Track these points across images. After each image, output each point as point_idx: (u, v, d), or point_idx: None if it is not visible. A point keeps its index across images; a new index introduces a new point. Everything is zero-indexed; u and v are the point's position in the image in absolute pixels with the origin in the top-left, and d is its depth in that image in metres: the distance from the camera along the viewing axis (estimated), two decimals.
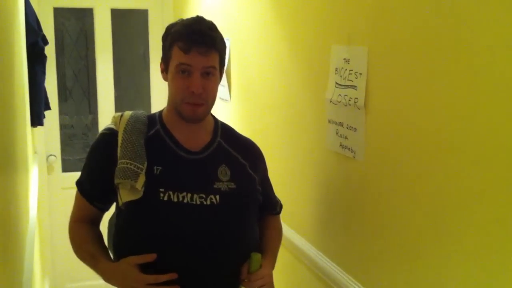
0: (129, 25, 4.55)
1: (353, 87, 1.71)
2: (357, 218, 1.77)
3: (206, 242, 1.64)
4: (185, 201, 1.64)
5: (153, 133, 1.73)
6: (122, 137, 1.67)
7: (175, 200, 1.64)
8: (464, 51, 1.27)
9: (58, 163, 4.26)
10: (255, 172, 1.81)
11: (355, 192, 1.76)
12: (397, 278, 1.56)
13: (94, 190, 1.74)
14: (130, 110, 1.79)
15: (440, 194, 1.37)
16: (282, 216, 2.25)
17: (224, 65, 1.77)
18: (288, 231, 2.25)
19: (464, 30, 1.26)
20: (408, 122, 1.48)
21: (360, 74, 1.68)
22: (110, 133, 1.71)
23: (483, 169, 1.22)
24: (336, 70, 1.82)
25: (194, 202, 1.65)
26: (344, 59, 1.77)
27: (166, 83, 1.72)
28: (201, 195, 1.66)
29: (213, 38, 1.66)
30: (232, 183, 1.72)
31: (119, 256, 1.67)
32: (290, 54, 2.18)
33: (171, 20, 4.19)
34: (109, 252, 1.76)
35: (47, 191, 4.12)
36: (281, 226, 1.98)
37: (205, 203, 1.66)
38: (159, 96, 4.28)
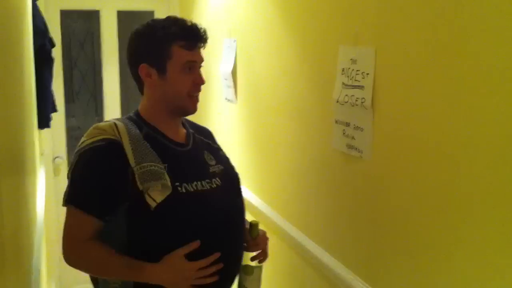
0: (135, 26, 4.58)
1: (360, 87, 1.72)
2: (364, 218, 1.77)
3: (226, 218, 1.79)
4: (199, 188, 1.75)
5: (144, 135, 1.75)
6: (131, 144, 1.68)
7: (191, 190, 1.73)
8: (470, 51, 1.27)
9: (64, 165, 4.28)
10: (221, 151, 2.01)
11: (363, 191, 1.77)
12: (405, 278, 1.57)
13: (105, 203, 1.67)
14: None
15: (448, 193, 1.38)
16: (288, 215, 2.26)
17: None
18: (293, 230, 2.26)
19: (471, 31, 1.27)
20: (415, 122, 1.49)
21: (367, 74, 1.69)
22: (111, 145, 1.68)
23: (493, 168, 1.23)
24: (343, 71, 1.83)
25: (205, 188, 1.76)
26: (351, 59, 1.78)
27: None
28: (206, 180, 1.79)
29: (205, 34, 1.79)
30: (220, 165, 1.89)
31: (152, 257, 1.67)
32: (297, 55, 2.19)
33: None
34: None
35: (53, 192, 4.14)
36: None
37: (213, 186, 1.79)
38: None
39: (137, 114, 1.82)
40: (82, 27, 4.47)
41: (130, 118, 1.80)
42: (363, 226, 1.78)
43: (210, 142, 1.99)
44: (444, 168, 1.39)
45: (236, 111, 2.97)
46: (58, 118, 4.05)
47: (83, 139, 1.73)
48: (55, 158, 4.21)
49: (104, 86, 4.26)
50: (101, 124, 1.74)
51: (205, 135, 2.00)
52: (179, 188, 1.70)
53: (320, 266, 2.02)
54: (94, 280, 1.84)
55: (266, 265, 2.48)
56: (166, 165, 1.71)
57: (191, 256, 1.67)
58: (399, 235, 1.60)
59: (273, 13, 2.40)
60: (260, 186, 2.64)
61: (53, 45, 3.42)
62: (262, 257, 1.93)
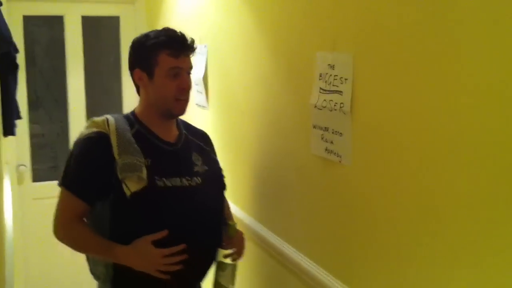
0: (100, 32, 4.51)
1: (339, 92, 1.74)
2: (344, 222, 1.78)
3: (199, 215, 1.97)
4: (177, 184, 1.94)
5: (135, 132, 1.97)
6: (117, 138, 1.90)
7: (169, 184, 1.93)
8: (449, 57, 1.30)
9: (28, 173, 4.19)
10: (215, 155, 2.21)
11: (342, 195, 1.78)
12: (385, 281, 1.59)
13: (91, 188, 1.92)
14: (111, 114, 2.01)
15: (427, 197, 1.40)
16: (265, 221, 2.27)
17: None
18: (272, 237, 2.26)
19: (450, 36, 1.29)
20: (395, 127, 1.51)
21: (346, 79, 1.70)
22: (101, 136, 1.91)
23: (471, 173, 1.26)
24: (320, 76, 1.84)
25: (183, 184, 1.96)
26: (329, 64, 1.79)
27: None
28: (186, 178, 1.97)
29: (192, 43, 1.99)
30: (205, 166, 2.07)
31: (124, 241, 1.88)
32: (272, 60, 2.19)
33: (144, 27, 4.17)
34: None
35: (18, 201, 4.05)
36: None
37: (192, 184, 1.98)
38: (131, 102, 4.24)
39: (133, 113, 2.05)
40: (46, 32, 4.38)
41: (126, 116, 2.03)
42: (342, 230, 1.80)
43: (203, 144, 2.15)
44: (423, 173, 1.42)
45: (208, 117, 2.96)
46: (22, 125, 3.97)
47: (82, 131, 1.98)
48: (19, 166, 4.12)
49: (69, 92, 4.19)
50: (97, 118, 1.97)
51: (199, 137, 2.18)
52: (158, 182, 1.90)
53: (300, 271, 2.02)
54: (86, 257, 2.10)
55: (244, 274, 2.48)
56: (149, 160, 1.92)
57: (160, 246, 1.85)
58: (378, 239, 1.61)
59: (246, 18, 2.40)
60: (234, 193, 2.63)
61: (16, 51, 3.35)
62: (236, 255, 2.09)
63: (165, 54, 1.92)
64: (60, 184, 1.94)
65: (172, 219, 1.91)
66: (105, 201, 1.92)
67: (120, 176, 1.85)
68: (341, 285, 1.79)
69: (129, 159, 1.86)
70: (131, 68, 2.01)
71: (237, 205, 2.59)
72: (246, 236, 2.24)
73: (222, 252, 2.05)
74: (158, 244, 1.85)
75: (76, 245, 1.96)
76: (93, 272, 2.07)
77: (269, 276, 2.37)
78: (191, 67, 2.00)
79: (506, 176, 1.16)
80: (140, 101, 2.04)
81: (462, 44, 1.26)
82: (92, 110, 4.26)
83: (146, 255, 1.85)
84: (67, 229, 1.93)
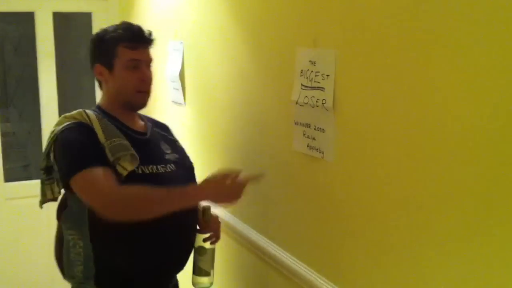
0: (72, 28, 4.44)
1: (321, 88, 1.74)
2: (327, 217, 1.79)
3: None
4: (154, 171, 1.96)
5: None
6: (100, 125, 1.91)
7: (147, 171, 1.94)
8: (432, 54, 1.31)
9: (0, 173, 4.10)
10: (179, 144, 2.23)
11: (325, 191, 1.78)
12: (369, 276, 1.59)
13: (100, 155, 1.85)
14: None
15: (412, 192, 1.41)
16: (248, 219, 2.26)
17: None
18: (254, 234, 2.25)
19: (433, 33, 1.30)
20: (378, 122, 1.52)
21: (328, 75, 1.70)
22: (82, 124, 1.90)
23: (454, 168, 1.27)
24: (301, 72, 1.84)
25: (160, 171, 1.98)
26: (310, 61, 1.79)
27: None
28: (162, 165, 2.00)
29: (150, 35, 2.04)
30: (175, 154, 2.11)
31: (109, 234, 1.87)
32: (252, 56, 2.18)
33: (117, 22, 4.10)
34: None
35: None
36: None
37: (167, 170, 2.01)
38: None
39: (98, 106, 2.06)
40: (16, 29, 4.29)
41: (92, 111, 2.00)
42: (325, 226, 1.80)
43: (166, 134, 2.21)
44: (406, 168, 1.43)
45: (185, 113, 2.94)
46: None
47: (53, 128, 1.94)
48: None
49: (41, 90, 4.11)
50: (69, 113, 1.97)
51: (162, 128, 2.23)
52: (136, 169, 1.91)
53: (282, 268, 2.02)
54: (61, 265, 2.06)
55: (226, 273, 2.47)
56: None
57: (140, 234, 1.88)
58: (362, 234, 1.62)
59: (224, 14, 2.39)
60: None
61: None
62: (214, 238, 2.10)
63: (123, 47, 1.96)
64: (73, 174, 1.82)
65: None
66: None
67: (112, 158, 1.85)
68: (325, 281, 1.79)
69: (118, 141, 1.90)
70: (92, 63, 2.05)
71: None
72: (229, 234, 2.23)
73: (200, 237, 2.07)
74: (135, 234, 1.87)
75: (139, 204, 1.84)
76: (68, 274, 2.02)
77: (250, 272, 2.36)
78: (150, 60, 2.04)
79: (490, 170, 1.18)
80: (103, 96, 2.08)
81: (445, 41, 1.28)
82: (64, 107, 4.19)
83: (222, 182, 1.87)
84: (120, 194, 1.81)
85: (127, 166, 1.87)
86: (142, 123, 2.12)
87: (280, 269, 2.04)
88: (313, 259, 1.88)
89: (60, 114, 4.06)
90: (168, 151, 2.10)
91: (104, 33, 2.02)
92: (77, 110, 1.98)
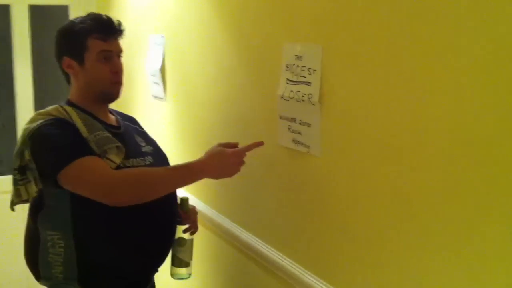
0: (49, 22, 4.37)
1: (307, 83, 1.74)
2: (313, 211, 1.80)
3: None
4: (135, 165, 1.93)
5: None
6: (80, 119, 1.88)
7: (129, 165, 1.90)
8: (419, 48, 1.32)
9: None
10: (149, 135, 2.20)
11: (311, 185, 1.79)
12: (356, 270, 1.61)
13: (85, 147, 1.82)
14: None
15: (399, 187, 1.43)
16: (232, 213, 2.26)
17: None
18: (237, 229, 2.25)
19: (420, 27, 1.32)
20: (364, 116, 1.53)
21: (314, 70, 1.71)
22: (60, 120, 1.86)
23: (442, 162, 1.29)
24: (287, 67, 1.84)
25: (140, 164, 1.95)
26: (296, 55, 1.79)
27: None
28: (140, 158, 1.98)
29: (119, 26, 1.99)
30: (150, 146, 2.09)
31: (92, 231, 1.85)
32: (235, 50, 2.18)
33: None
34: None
35: None
36: None
37: (146, 163, 1.98)
38: None
39: (69, 102, 2.00)
40: None
41: (61, 105, 1.96)
42: (311, 220, 1.81)
43: (137, 127, 2.20)
44: (392, 163, 1.44)
45: (165, 108, 2.92)
46: None
47: (26, 126, 1.86)
48: None
49: (16, 84, 4.04)
50: (44, 110, 1.92)
51: (131, 121, 2.21)
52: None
53: (267, 262, 2.02)
54: (35, 267, 1.96)
55: (210, 269, 2.47)
56: None
57: (123, 226, 1.86)
58: (349, 229, 1.63)
59: (207, 7, 2.37)
60: (195, 185, 2.60)
61: None
62: (193, 229, 2.10)
63: (93, 38, 1.92)
64: (63, 166, 1.75)
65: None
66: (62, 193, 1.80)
67: (99, 151, 1.82)
68: (310, 275, 1.80)
69: (103, 134, 1.87)
70: (59, 57, 2.00)
71: (199, 198, 2.57)
72: (212, 230, 2.22)
73: (180, 228, 2.07)
74: (122, 230, 1.87)
75: (144, 184, 1.82)
76: (44, 276, 1.95)
77: (232, 267, 2.36)
78: (121, 50, 2.01)
79: (477, 165, 1.19)
80: (72, 90, 2.02)
81: (431, 35, 1.29)
82: (40, 100, 4.13)
83: (223, 156, 1.88)
84: (122, 177, 1.80)
85: (114, 158, 1.85)
86: (113, 117, 2.10)
87: (264, 263, 2.05)
88: (298, 254, 1.88)
89: (36, 109, 4.04)
90: (143, 144, 2.08)
91: (71, 25, 1.98)
92: (53, 106, 1.93)
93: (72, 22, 1.99)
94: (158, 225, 1.96)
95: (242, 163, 1.90)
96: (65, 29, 1.99)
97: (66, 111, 1.90)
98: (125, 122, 2.14)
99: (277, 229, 2.01)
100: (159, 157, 2.09)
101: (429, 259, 1.34)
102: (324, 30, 1.66)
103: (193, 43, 2.54)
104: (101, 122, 1.97)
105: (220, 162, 1.88)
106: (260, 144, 1.91)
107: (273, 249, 2.01)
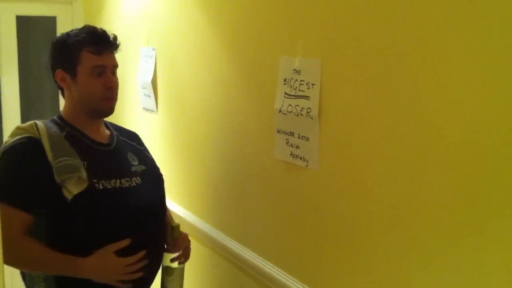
0: (36, 32, 4.34)
1: (305, 97, 1.75)
2: (310, 226, 1.79)
3: (143, 215, 1.93)
4: (117, 185, 1.90)
5: (66, 135, 1.90)
6: (49, 141, 1.83)
7: (109, 186, 1.88)
8: (418, 62, 1.34)
9: None
10: (148, 153, 2.18)
11: (309, 200, 1.79)
12: (357, 286, 1.61)
13: (30, 196, 1.79)
14: (38, 119, 1.93)
15: (396, 202, 1.43)
16: (228, 230, 2.24)
17: None
18: (233, 243, 2.24)
19: (420, 41, 1.33)
20: (364, 131, 1.53)
21: (313, 84, 1.71)
22: (31, 141, 1.83)
23: (438, 177, 1.30)
24: (285, 81, 1.84)
25: (123, 186, 1.92)
26: (294, 70, 1.80)
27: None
28: (126, 179, 1.94)
29: (114, 40, 1.96)
30: (142, 165, 2.04)
31: (71, 250, 1.78)
32: (231, 64, 2.17)
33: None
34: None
35: None
36: None
37: (132, 184, 1.95)
38: None
39: (60, 116, 1.98)
40: None
41: (52, 120, 1.96)
42: (309, 234, 1.80)
43: (135, 144, 2.13)
44: (391, 178, 1.45)
45: (157, 121, 2.90)
46: None
47: (6, 139, 1.88)
48: None
49: (2, 94, 4.00)
50: (22, 124, 1.89)
51: (130, 137, 2.15)
52: (96, 185, 1.85)
53: (263, 277, 2.01)
54: (22, 275, 1.97)
55: (203, 283, 2.44)
56: (85, 162, 1.85)
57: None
58: (346, 243, 1.63)
59: (200, 19, 2.37)
60: (190, 199, 2.59)
61: None
62: (182, 258, 2.03)
63: (87, 52, 1.89)
64: None
65: (114, 223, 1.86)
66: (42, 208, 1.79)
67: (58, 180, 1.77)
68: None
69: (65, 161, 1.81)
70: (53, 69, 1.97)
71: (192, 212, 2.55)
72: (206, 244, 2.21)
73: (168, 256, 2.00)
74: (98, 248, 1.81)
75: (28, 263, 1.80)
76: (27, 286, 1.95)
77: (229, 283, 2.34)
78: (115, 65, 1.96)
79: (471, 181, 1.20)
80: (65, 103, 1.99)
81: (431, 49, 1.30)
82: (26, 112, 4.10)
83: (110, 266, 1.80)
84: (15, 248, 1.71)
85: (72, 189, 1.79)
86: (107, 132, 2.05)
87: (261, 278, 2.03)
88: (295, 269, 1.88)
89: (22, 118, 4.01)
90: (135, 163, 2.03)
91: (66, 37, 1.94)
92: (30, 122, 1.89)
93: (67, 34, 1.95)
94: (138, 246, 1.87)
95: (127, 273, 1.83)
96: (59, 41, 1.96)
97: (38, 130, 1.85)
98: (122, 138, 2.09)
99: (273, 243, 2.00)
100: (150, 178, 2.04)
101: (428, 272, 1.35)
102: (323, 44, 1.67)
103: (186, 55, 2.53)
104: (88, 139, 1.94)
105: (105, 271, 1.81)
106: (143, 264, 1.86)
107: (269, 263, 2.00)
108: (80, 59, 1.89)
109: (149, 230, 1.95)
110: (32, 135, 1.84)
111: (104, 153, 1.96)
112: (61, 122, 1.95)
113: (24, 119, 4.03)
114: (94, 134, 1.98)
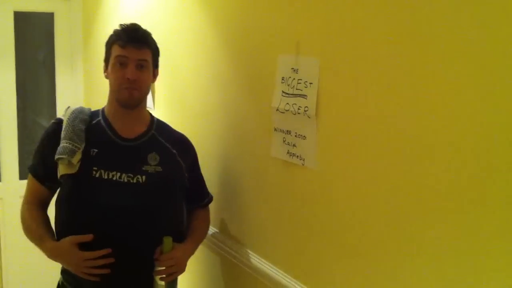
0: (33, 28, 4.33)
1: (303, 96, 1.76)
2: (306, 225, 1.80)
3: (129, 216, 1.94)
4: (114, 178, 1.95)
5: (95, 123, 2.05)
6: (66, 123, 2.00)
7: (105, 177, 1.95)
8: (416, 60, 1.34)
9: None
10: (183, 160, 2.12)
11: (305, 198, 1.80)
12: (356, 285, 1.61)
13: (45, 171, 2.03)
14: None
15: (393, 199, 1.44)
16: (227, 228, 2.23)
17: (157, 65, 2.13)
18: (227, 241, 2.24)
19: (419, 39, 1.34)
20: (361, 130, 1.54)
21: (311, 83, 1.72)
22: (58, 122, 2.04)
23: (440, 176, 1.30)
24: (282, 79, 1.85)
25: (122, 180, 1.96)
26: (292, 68, 1.80)
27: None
28: (129, 174, 1.97)
29: (145, 35, 2.06)
30: (160, 167, 2.02)
31: (56, 227, 1.99)
32: (229, 62, 2.18)
33: (79, 24, 4.05)
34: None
35: None
36: (208, 218, 2.27)
37: (132, 181, 1.97)
38: (65, 101, 4.10)
39: (103, 107, 2.12)
40: None
41: (96, 110, 2.12)
42: (305, 233, 1.81)
43: (169, 146, 2.10)
44: (388, 176, 1.46)
45: None
46: None
47: None
48: None
49: None
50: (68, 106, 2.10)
51: (170, 140, 2.12)
52: (94, 172, 1.94)
53: (260, 276, 2.02)
54: None
55: (199, 281, 2.43)
56: (95, 150, 1.97)
57: (82, 244, 1.88)
58: (344, 241, 1.64)
59: (199, 18, 2.38)
60: None
61: None
62: (164, 274, 1.94)
63: (115, 45, 2.01)
64: (28, 167, 2.09)
65: (97, 212, 1.92)
66: (54, 185, 2.05)
67: (55, 158, 1.94)
68: None
69: (65, 143, 1.94)
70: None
71: None
72: (203, 243, 2.20)
73: (157, 267, 1.94)
74: (83, 243, 1.89)
75: (23, 229, 2.02)
76: None
77: (225, 280, 2.35)
78: (142, 59, 2.00)
79: (476, 179, 1.21)
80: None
81: (429, 49, 1.31)
82: (23, 108, 4.09)
83: (69, 256, 1.89)
84: (23, 211, 2.04)
85: (61, 169, 1.96)
86: (142, 129, 2.08)
87: (258, 276, 2.04)
88: (292, 267, 1.89)
89: (18, 114, 4.00)
90: (153, 163, 2.01)
91: (111, 34, 2.07)
92: (68, 106, 2.12)
93: (115, 30, 2.07)
94: (117, 243, 1.90)
95: (87, 267, 1.88)
96: (108, 37, 2.07)
97: (66, 113, 2.05)
98: (159, 138, 2.09)
99: (270, 242, 2.01)
100: (159, 180, 2.00)
101: (429, 270, 1.36)
102: (321, 43, 1.68)
103: (184, 53, 2.54)
104: (112, 131, 2.04)
105: (66, 261, 1.93)
106: (107, 261, 1.88)
107: (265, 261, 2.01)
108: (111, 51, 2.02)
109: (133, 230, 1.94)
110: (62, 117, 2.05)
111: (122, 147, 2.03)
112: (101, 112, 2.10)
113: (20, 115, 4.03)
114: (123, 128, 2.05)
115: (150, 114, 2.17)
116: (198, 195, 2.23)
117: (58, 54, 4.14)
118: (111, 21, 3.43)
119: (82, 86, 4.11)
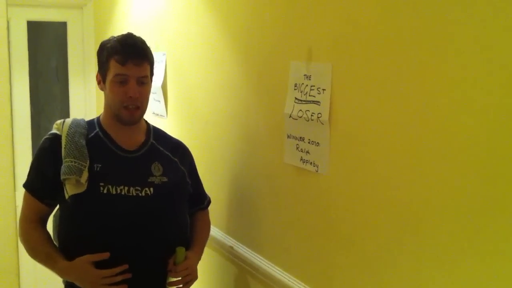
0: (46, 38, 4.38)
1: (316, 102, 1.75)
2: (320, 231, 1.79)
3: (142, 229, 1.92)
4: (123, 193, 1.91)
5: (93, 136, 1.99)
6: (66, 139, 1.92)
7: (114, 192, 1.90)
8: (428, 67, 1.34)
9: None
10: (183, 166, 2.11)
11: (319, 204, 1.79)
12: None
13: (43, 188, 1.96)
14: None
15: (406, 206, 1.43)
16: (237, 235, 2.23)
17: (153, 74, 2.05)
18: (240, 248, 2.24)
19: (430, 44, 1.33)
20: (375, 136, 1.53)
21: (324, 90, 1.72)
22: (54, 137, 1.95)
23: (448, 181, 1.30)
24: (295, 86, 1.85)
25: (130, 194, 1.92)
26: (305, 75, 1.80)
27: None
28: (137, 187, 1.93)
29: (145, 50, 1.97)
30: (165, 177, 2.00)
31: (64, 245, 1.93)
32: (241, 69, 2.18)
33: (92, 32, 4.08)
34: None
35: None
36: (209, 220, 2.27)
37: (140, 194, 1.93)
38: (78, 109, 4.13)
39: (98, 117, 2.07)
40: None
41: (91, 120, 2.06)
42: (318, 239, 1.80)
43: (170, 154, 2.08)
44: (401, 182, 1.45)
45: (167, 126, 2.91)
46: None
47: None
48: None
49: (13, 98, 4.02)
50: (60, 120, 2.01)
51: (169, 147, 2.11)
52: (101, 188, 1.89)
53: (273, 282, 2.01)
54: None
55: (210, 286, 2.42)
56: (99, 165, 1.92)
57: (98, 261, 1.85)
58: (356, 248, 1.63)
59: (210, 23, 2.38)
60: None
61: None
62: (181, 284, 1.97)
63: (114, 60, 1.92)
64: (24, 185, 2.00)
65: (110, 230, 1.88)
66: (55, 201, 1.97)
67: (61, 178, 1.88)
68: None
69: (71, 162, 1.88)
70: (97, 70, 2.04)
71: None
72: (216, 249, 2.21)
73: (168, 279, 1.95)
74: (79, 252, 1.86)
75: (29, 250, 1.96)
76: None
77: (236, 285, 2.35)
78: (143, 76, 1.94)
79: (486, 186, 1.20)
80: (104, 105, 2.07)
81: (441, 51, 1.30)
82: (36, 116, 4.12)
83: (85, 274, 1.84)
84: (23, 231, 1.96)
85: (69, 189, 1.88)
86: (141, 140, 2.05)
87: (269, 282, 2.04)
88: (304, 274, 1.88)
89: (32, 122, 4.04)
90: (157, 173, 1.99)
91: (106, 42, 1.99)
92: (67, 119, 2.02)
93: (109, 39, 2.00)
94: (131, 259, 1.88)
95: (105, 284, 1.84)
96: (101, 45, 2.01)
97: (63, 128, 1.97)
98: (158, 147, 2.07)
99: (282, 248, 2.00)
100: (166, 190, 1.99)
101: (440, 277, 1.35)
102: (334, 49, 1.68)
103: (196, 60, 2.54)
104: (113, 143, 1.99)
105: (82, 280, 1.86)
106: (125, 277, 1.86)
107: (277, 268, 2.00)
108: (108, 65, 1.93)
109: (146, 243, 1.92)
110: (57, 132, 1.96)
111: (124, 159, 1.98)
112: (96, 123, 2.03)
113: (34, 123, 4.06)
114: (122, 139, 2.00)
115: (146, 122, 2.13)
116: (199, 198, 2.22)
117: (71, 62, 4.18)
118: (123, 29, 3.45)
119: (94, 94, 4.15)
